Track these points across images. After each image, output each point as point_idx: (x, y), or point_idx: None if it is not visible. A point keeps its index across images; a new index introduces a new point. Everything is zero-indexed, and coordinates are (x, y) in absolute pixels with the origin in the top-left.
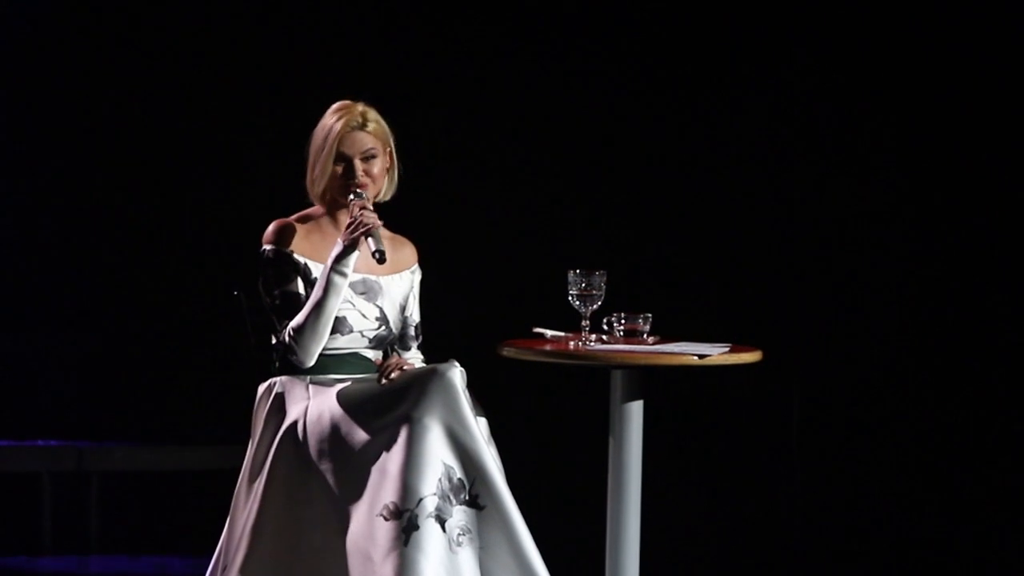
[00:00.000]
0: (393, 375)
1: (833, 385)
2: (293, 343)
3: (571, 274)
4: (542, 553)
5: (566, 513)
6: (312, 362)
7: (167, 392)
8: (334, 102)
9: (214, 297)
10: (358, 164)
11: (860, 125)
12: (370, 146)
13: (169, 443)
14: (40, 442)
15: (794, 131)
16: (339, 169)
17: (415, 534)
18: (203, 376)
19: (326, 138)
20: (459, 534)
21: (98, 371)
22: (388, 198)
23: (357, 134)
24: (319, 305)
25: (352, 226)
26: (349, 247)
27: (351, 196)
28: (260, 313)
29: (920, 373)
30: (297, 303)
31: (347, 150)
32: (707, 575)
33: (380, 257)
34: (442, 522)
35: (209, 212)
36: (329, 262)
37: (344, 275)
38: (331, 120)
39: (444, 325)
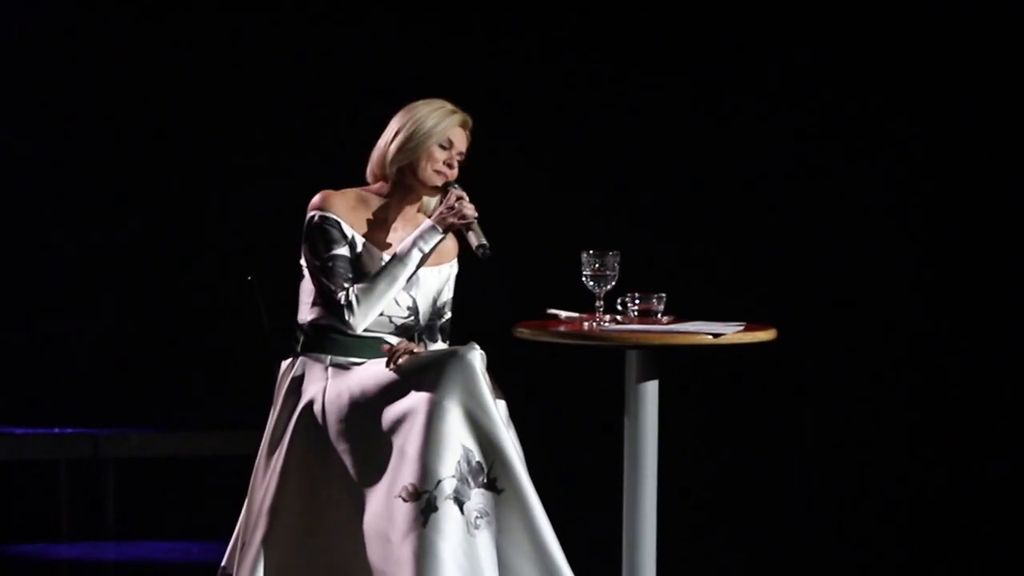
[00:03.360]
0: (401, 360)
1: (848, 362)
2: (356, 303)
3: (584, 255)
4: (559, 535)
5: (582, 494)
6: (362, 328)
7: (182, 378)
8: (346, 94)
9: (229, 282)
10: (455, 157)
11: (872, 105)
12: (465, 149)
13: (185, 429)
14: (56, 429)
15: (805, 110)
16: (442, 154)
17: (433, 515)
18: (218, 361)
19: (439, 123)
20: (477, 517)
21: (113, 358)
22: None
23: (465, 133)
24: (392, 274)
25: (451, 214)
26: (439, 229)
27: (451, 186)
28: (274, 298)
29: (936, 351)
30: (348, 266)
31: (456, 140)
32: (724, 554)
33: (484, 253)
34: (460, 504)
35: (224, 198)
36: (415, 235)
37: (424, 252)
38: (446, 109)
39: (459, 307)
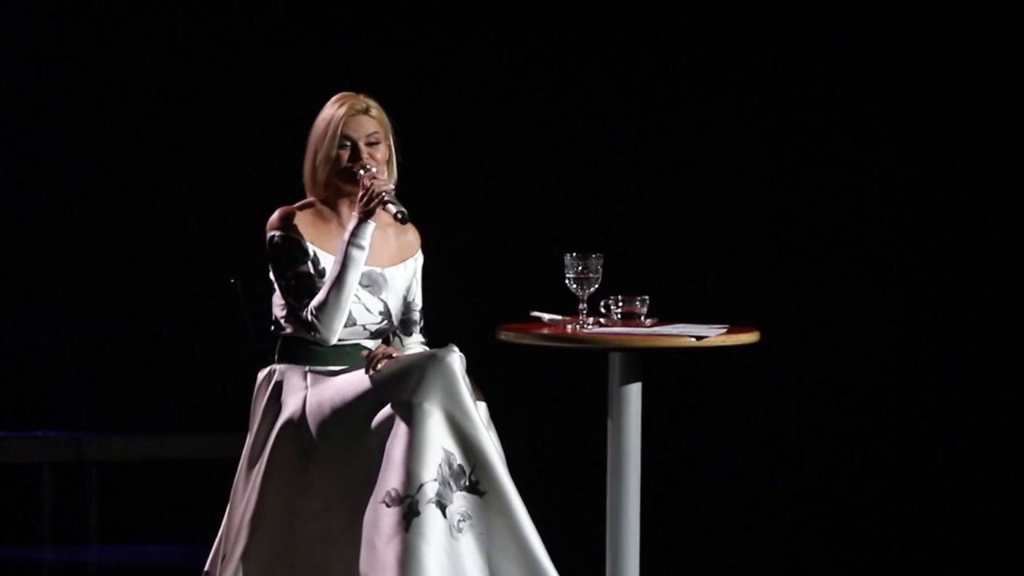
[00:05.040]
0: (380, 366)
1: (830, 364)
2: (316, 320)
3: (568, 257)
4: (542, 537)
5: (566, 496)
6: (335, 339)
7: (166, 381)
8: (331, 93)
9: (212, 286)
10: (363, 147)
11: (855, 106)
12: (374, 130)
13: (168, 432)
14: (39, 432)
15: (789, 111)
16: (344, 153)
17: (416, 520)
18: (201, 365)
19: (329, 124)
20: (459, 520)
21: (97, 360)
22: None
23: (361, 118)
24: (339, 280)
25: (366, 197)
26: (364, 219)
27: (360, 171)
28: (257, 301)
29: (918, 353)
30: (312, 282)
31: (352, 133)
32: (707, 557)
33: (403, 218)
34: (443, 508)
35: (206, 201)
36: (346, 236)
37: (363, 248)
38: (333, 107)
39: (442, 310)
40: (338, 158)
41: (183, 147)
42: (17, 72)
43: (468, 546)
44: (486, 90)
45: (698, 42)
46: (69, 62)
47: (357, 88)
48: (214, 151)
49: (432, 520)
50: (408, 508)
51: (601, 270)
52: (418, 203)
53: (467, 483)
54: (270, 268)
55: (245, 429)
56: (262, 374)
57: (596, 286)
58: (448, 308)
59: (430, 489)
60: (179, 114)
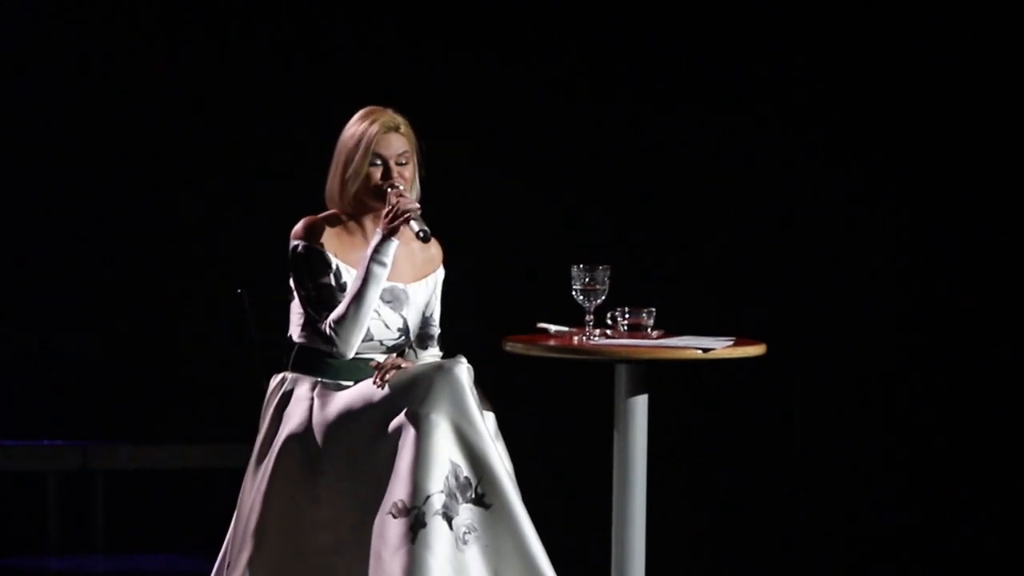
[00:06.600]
0: (388, 376)
1: (837, 377)
2: (334, 335)
3: (575, 269)
4: (548, 549)
5: (571, 508)
6: (352, 353)
7: (171, 390)
8: (341, 103)
9: (218, 295)
10: (393, 166)
11: (861, 117)
12: (404, 149)
13: (174, 441)
14: (45, 441)
15: (795, 123)
16: (375, 171)
17: (422, 531)
18: (207, 374)
19: (360, 140)
20: (465, 532)
21: (102, 370)
22: None
23: (393, 136)
24: (359, 296)
25: (391, 214)
26: (388, 236)
27: (388, 188)
28: (264, 311)
29: (925, 366)
30: (333, 295)
31: (383, 151)
32: (712, 569)
33: (425, 236)
34: (449, 520)
35: (213, 210)
36: (369, 252)
37: (384, 265)
38: (364, 123)
39: (450, 321)
40: (368, 175)
41: (190, 157)
42: (22, 76)
43: (473, 558)
44: (494, 102)
45: (703, 55)
46: (75, 64)
47: (370, 99)
48: (221, 161)
49: (438, 532)
50: (414, 519)
51: (608, 282)
52: (425, 213)
53: (473, 495)
54: (291, 276)
55: (251, 439)
56: (275, 380)
57: (603, 298)
58: (456, 319)
59: (436, 501)
60: (187, 123)
